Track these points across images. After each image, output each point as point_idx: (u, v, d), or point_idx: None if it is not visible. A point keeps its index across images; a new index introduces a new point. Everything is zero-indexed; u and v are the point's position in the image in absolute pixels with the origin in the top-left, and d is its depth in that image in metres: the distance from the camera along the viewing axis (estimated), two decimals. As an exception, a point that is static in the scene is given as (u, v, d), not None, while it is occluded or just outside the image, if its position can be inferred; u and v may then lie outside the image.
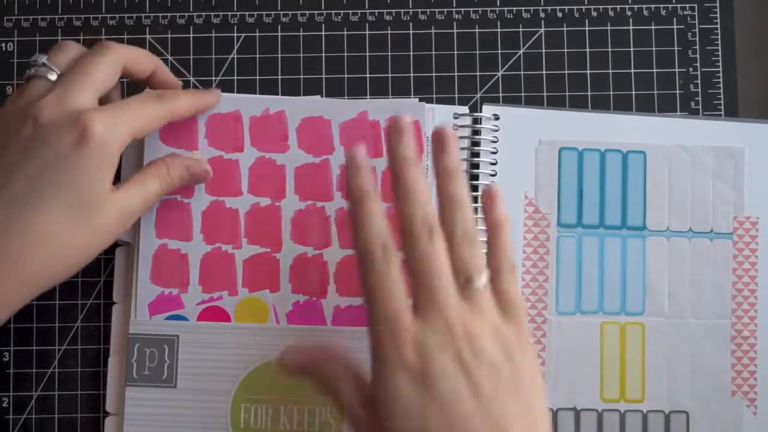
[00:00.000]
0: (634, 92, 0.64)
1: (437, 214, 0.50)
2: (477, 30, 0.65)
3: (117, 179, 0.58)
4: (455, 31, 0.65)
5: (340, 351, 0.51)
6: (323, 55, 0.64)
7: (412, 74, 0.64)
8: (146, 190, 0.57)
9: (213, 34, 0.65)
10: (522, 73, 0.64)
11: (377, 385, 0.46)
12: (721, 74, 0.64)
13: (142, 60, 0.58)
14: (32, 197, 0.52)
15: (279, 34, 0.65)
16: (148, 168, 0.58)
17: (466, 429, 0.44)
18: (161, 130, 0.60)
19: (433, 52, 0.64)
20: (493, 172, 0.62)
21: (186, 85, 0.64)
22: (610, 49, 0.65)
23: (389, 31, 0.65)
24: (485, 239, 0.52)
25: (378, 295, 0.47)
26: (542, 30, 0.65)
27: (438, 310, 0.47)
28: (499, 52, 0.65)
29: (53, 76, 0.55)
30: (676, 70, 0.65)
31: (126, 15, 0.64)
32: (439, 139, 0.51)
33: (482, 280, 0.48)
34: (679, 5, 0.65)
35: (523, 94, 0.64)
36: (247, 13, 0.65)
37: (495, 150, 0.62)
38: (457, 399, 0.44)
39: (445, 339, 0.46)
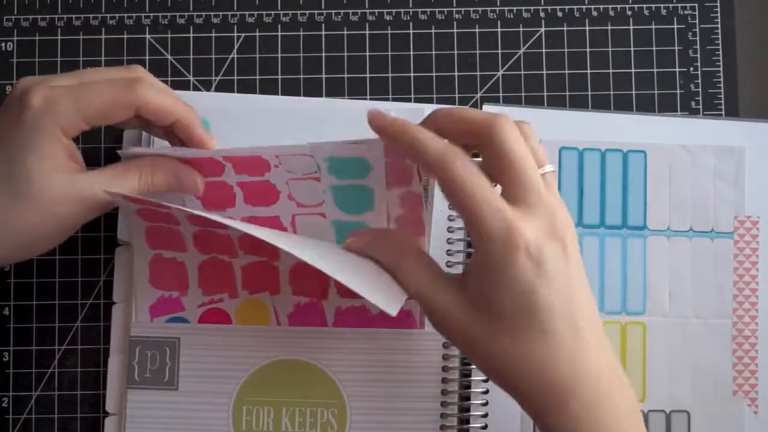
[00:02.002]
0: (634, 92, 0.64)
1: None
2: (477, 30, 0.65)
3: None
4: (455, 30, 0.65)
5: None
6: (323, 55, 0.64)
7: (412, 74, 0.64)
8: (119, 184, 0.54)
9: (213, 34, 0.64)
10: (522, 72, 0.64)
11: (490, 269, 0.47)
12: (721, 74, 0.64)
13: (161, 110, 0.54)
14: None
15: (279, 33, 0.65)
16: (133, 162, 0.55)
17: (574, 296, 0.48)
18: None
19: (433, 52, 0.64)
20: (494, 172, 0.62)
21: (186, 85, 0.64)
22: (610, 49, 0.64)
23: (389, 31, 0.65)
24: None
25: (473, 191, 0.47)
26: (542, 30, 0.65)
27: (538, 198, 0.48)
28: (499, 51, 0.65)
29: None
30: (677, 69, 0.65)
31: (126, 15, 0.64)
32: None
33: (549, 166, 0.50)
34: (679, 5, 0.65)
35: (523, 93, 0.64)
36: (247, 12, 0.65)
37: (495, 150, 0.62)
38: (560, 275, 0.48)
39: (549, 225, 0.48)
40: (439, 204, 0.60)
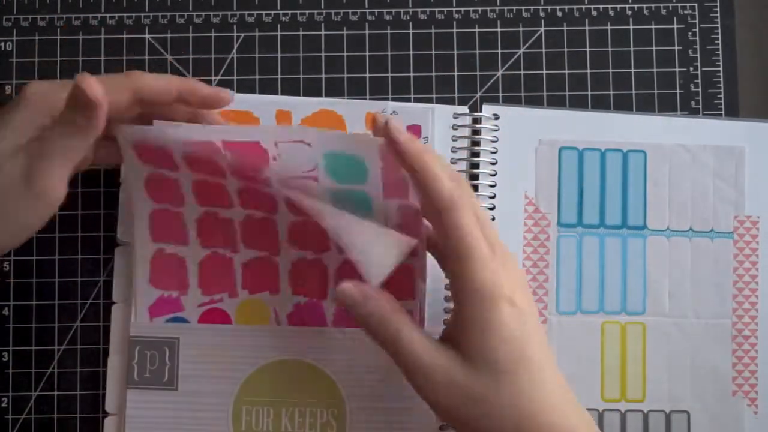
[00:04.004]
0: (634, 92, 0.64)
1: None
2: (477, 29, 0.65)
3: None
4: (455, 30, 0.65)
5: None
6: (323, 54, 0.64)
7: (411, 74, 0.64)
8: (52, 144, 0.52)
9: (212, 34, 0.64)
10: (522, 72, 0.64)
11: (478, 321, 0.48)
12: (721, 73, 0.64)
13: (157, 85, 0.55)
14: None
15: (278, 33, 0.64)
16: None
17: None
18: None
19: (433, 52, 0.64)
20: (493, 172, 0.61)
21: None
22: (610, 49, 0.64)
23: (389, 31, 0.65)
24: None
25: (472, 245, 0.49)
26: (542, 29, 0.65)
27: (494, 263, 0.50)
28: (499, 51, 0.64)
29: None
30: (677, 69, 0.64)
31: (125, 14, 0.64)
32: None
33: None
34: (679, 4, 0.65)
35: (523, 93, 0.64)
36: (246, 12, 0.65)
37: (495, 150, 0.62)
38: (532, 321, 0.50)
39: (515, 276, 0.50)
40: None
